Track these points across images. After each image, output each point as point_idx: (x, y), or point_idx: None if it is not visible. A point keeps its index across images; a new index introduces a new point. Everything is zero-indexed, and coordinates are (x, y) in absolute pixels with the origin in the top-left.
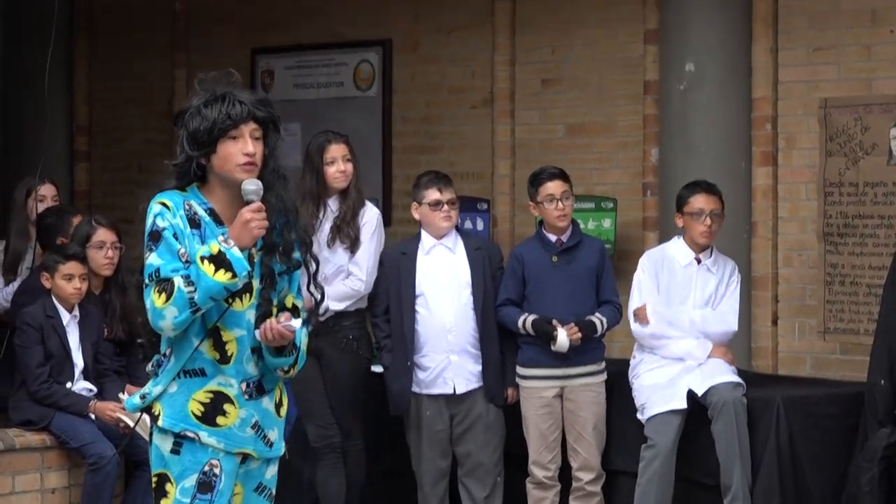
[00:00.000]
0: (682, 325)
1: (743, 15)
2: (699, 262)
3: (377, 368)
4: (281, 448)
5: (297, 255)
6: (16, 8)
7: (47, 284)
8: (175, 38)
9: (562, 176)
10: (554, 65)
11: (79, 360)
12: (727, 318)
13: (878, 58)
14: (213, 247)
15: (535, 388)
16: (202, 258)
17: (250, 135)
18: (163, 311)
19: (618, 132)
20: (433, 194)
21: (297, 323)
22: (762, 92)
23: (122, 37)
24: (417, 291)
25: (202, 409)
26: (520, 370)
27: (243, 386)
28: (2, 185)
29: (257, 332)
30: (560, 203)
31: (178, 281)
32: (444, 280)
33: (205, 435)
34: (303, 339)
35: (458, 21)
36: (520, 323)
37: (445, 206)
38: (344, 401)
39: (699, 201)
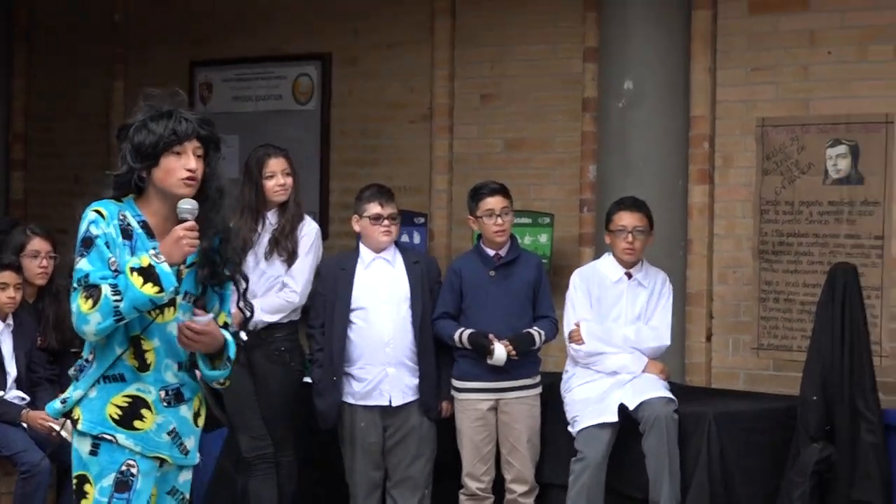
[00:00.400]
0: (616, 341)
1: (682, 34)
2: (630, 276)
3: (310, 379)
4: (196, 457)
5: (227, 272)
6: None
7: None
8: (114, 50)
9: (502, 191)
10: (493, 80)
11: (11, 369)
12: (660, 333)
13: (815, 78)
14: (144, 259)
15: (470, 401)
16: (132, 269)
17: (193, 152)
18: (88, 317)
19: (556, 148)
20: (374, 208)
21: (206, 316)
22: (700, 110)
23: (60, 47)
24: (356, 304)
25: (120, 412)
26: (455, 383)
27: (162, 393)
28: None
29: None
30: (499, 218)
31: (106, 289)
32: (383, 293)
33: (122, 437)
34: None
35: (397, 36)
36: (456, 336)
37: (386, 221)
38: (276, 412)
39: (623, 218)
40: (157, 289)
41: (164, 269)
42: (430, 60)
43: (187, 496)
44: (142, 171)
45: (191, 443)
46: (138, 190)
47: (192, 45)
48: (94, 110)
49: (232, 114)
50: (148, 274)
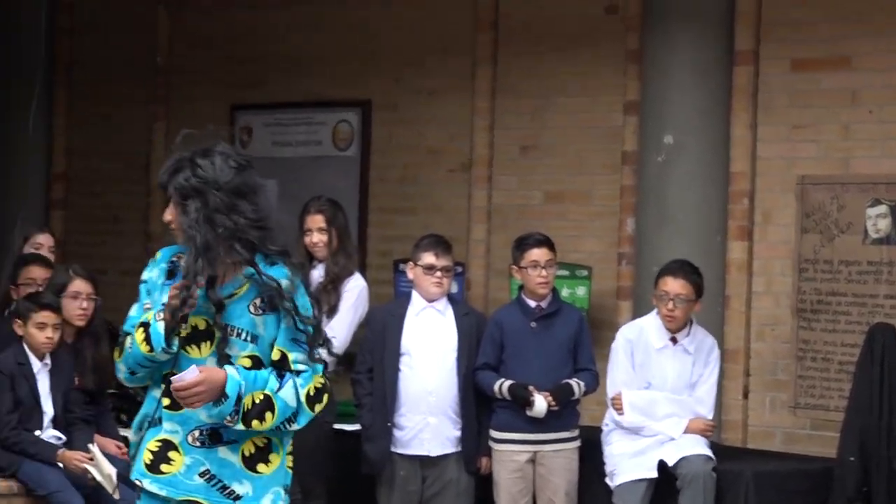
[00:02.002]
0: (658, 414)
1: (723, 89)
2: (675, 341)
3: (348, 427)
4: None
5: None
6: None
7: (19, 331)
8: (155, 91)
9: (548, 243)
10: (533, 131)
11: (48, 409)
12: (703, 408)
13: (855, 137)
14: (149, 315)
15: (508, 452)
16: (140, 324)
17: (172, 201)
18: (118, 364)
19: (595, 201)
20: (429, 258)
21: (184, 374)
22: (740, 166)
23: (102, 87)
24: (403, 350)
25: (151, 457)
26: (494, 434)
27: (196, 433)
28: None
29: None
30: (544, 270)
31: (128, 340)
32: (431, 342)
33: (147, 482)
34: (281, 393)
35: (438, 84)
36: (496, 387)
37: (439, 273)
38: (301, 463)
39: (666, 283)
40: (149, 347)
41: (158, 328)
42: (471, 109)
43: None
44: None
45: (244, 488)
46: None
47: (234, 88)
48: (135, 151)
49: (271, 158)
50: (148, 331)
